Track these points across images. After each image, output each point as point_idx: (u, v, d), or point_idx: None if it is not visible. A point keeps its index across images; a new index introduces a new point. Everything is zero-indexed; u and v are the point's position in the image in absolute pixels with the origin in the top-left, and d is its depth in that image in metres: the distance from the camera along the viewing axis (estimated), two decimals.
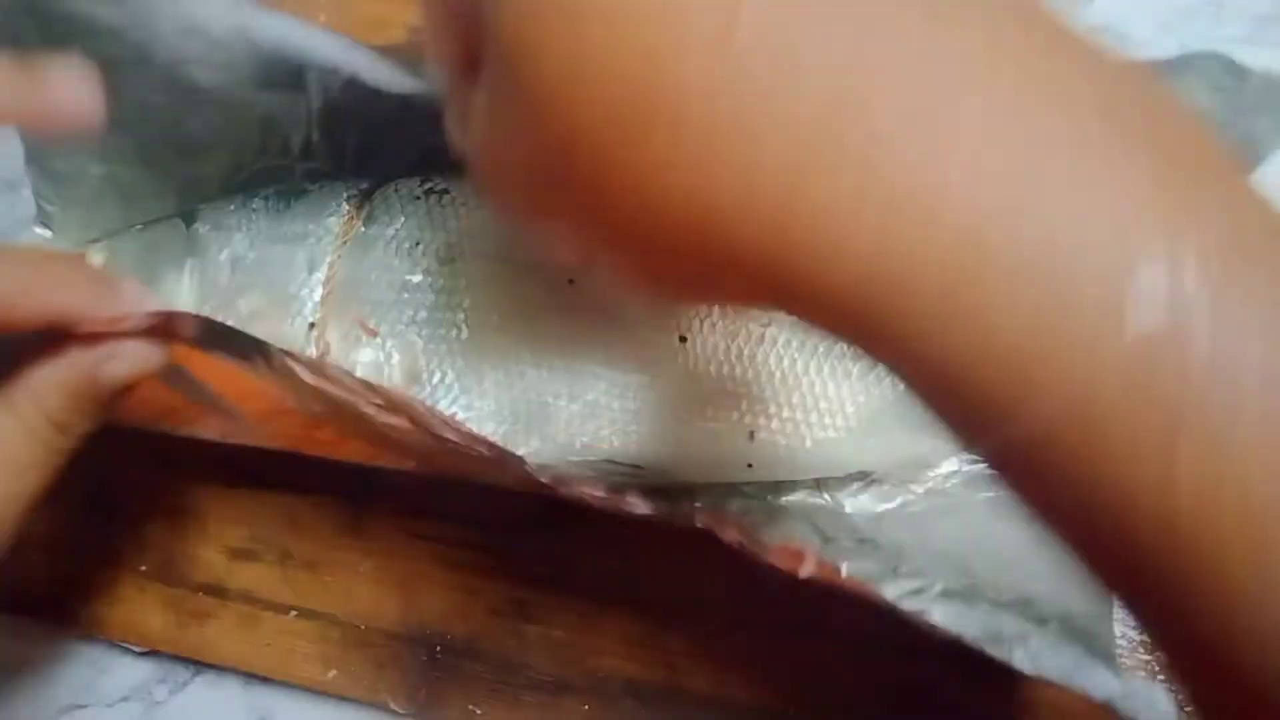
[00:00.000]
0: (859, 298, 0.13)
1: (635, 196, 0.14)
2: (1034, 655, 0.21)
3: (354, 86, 0.29)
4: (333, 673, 0.31)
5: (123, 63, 0.27)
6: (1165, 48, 0.37)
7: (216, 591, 0.33)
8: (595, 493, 0.24)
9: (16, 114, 0.22)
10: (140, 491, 0.34)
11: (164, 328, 0.24)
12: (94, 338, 0.23)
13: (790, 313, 0.15)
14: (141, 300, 0.23)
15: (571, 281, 0.27)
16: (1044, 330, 0.12)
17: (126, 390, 0.24)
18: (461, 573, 0.32)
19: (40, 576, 0.34)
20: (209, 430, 0.30)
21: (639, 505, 0.24)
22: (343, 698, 0.31)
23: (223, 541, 0.33)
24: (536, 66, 0.14)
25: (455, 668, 0.31)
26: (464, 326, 0.27)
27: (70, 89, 0.22)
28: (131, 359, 0.23)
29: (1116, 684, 0.21)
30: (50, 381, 0.23)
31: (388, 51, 0.39)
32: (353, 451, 0.29)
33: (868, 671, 0.29)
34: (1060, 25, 0.14)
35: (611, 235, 0.15)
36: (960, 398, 0.13)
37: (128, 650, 0.33)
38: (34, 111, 0.22)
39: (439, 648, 0.31)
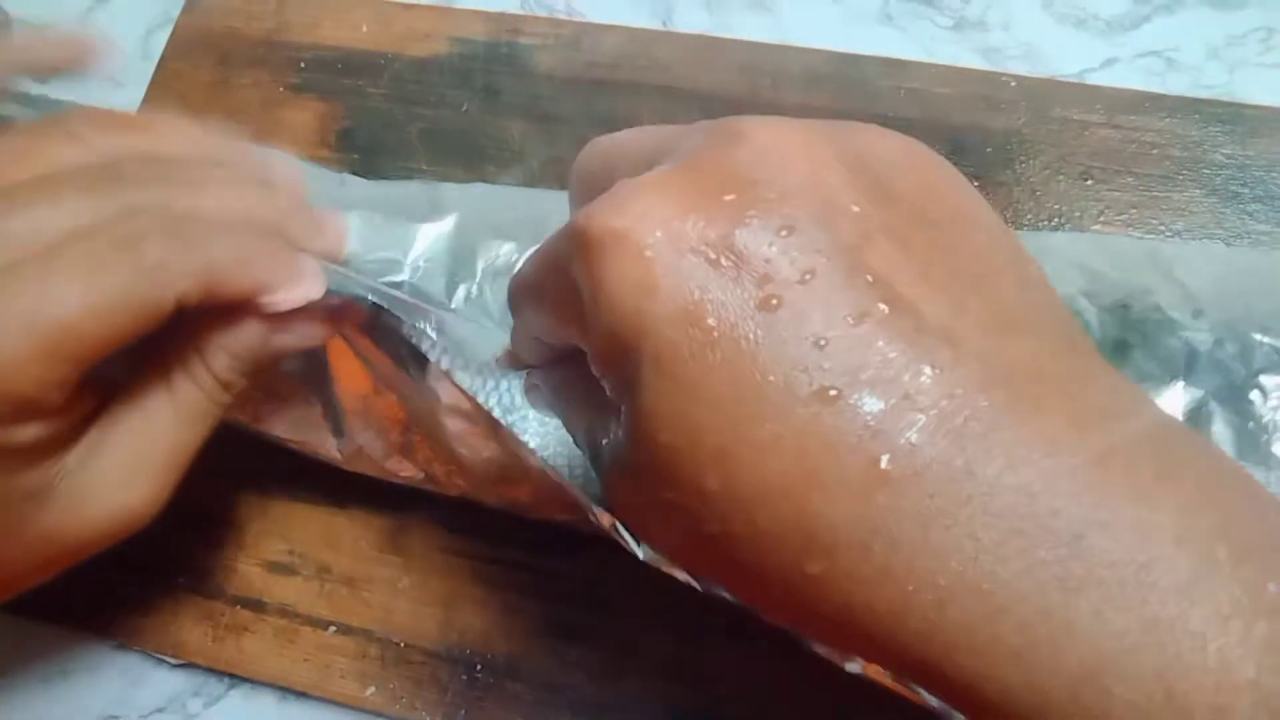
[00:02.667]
0: (997, 707, 0.14)
1: (788, 591, 0.16)
2: None
3: None
4: (371, 689, 0.31)
5: None
6: (1214, 73, 0.37)
7: (254, 605, 0.33)
8: None
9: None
10: (178, 503, 0.34)
11: (339, 311, 0.26)
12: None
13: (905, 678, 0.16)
14: (320, 279, 0.25)
15: None
16: None
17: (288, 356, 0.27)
18: (502, 591, 0.32)
19: (77, 586, 0.33)
20: (282, 427, 0.30)
21: None
22: (380, 715, 0.31)
23: (261, 555, 0.33)
24: (687, 476, 0.16)
25: (495, 687, 0.31)
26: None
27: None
28: (299, 335, 0.26)
29: None
30: (220, 344, 0.25)
31: (429, 64, 0.39)
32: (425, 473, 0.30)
33: (911, 704, 0.29)
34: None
35: (756, 601, 0.17)
36: None
37: (163, 662, 0.33)
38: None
39: (479, 666, 0.31)
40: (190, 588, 0.33)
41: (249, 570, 0.33)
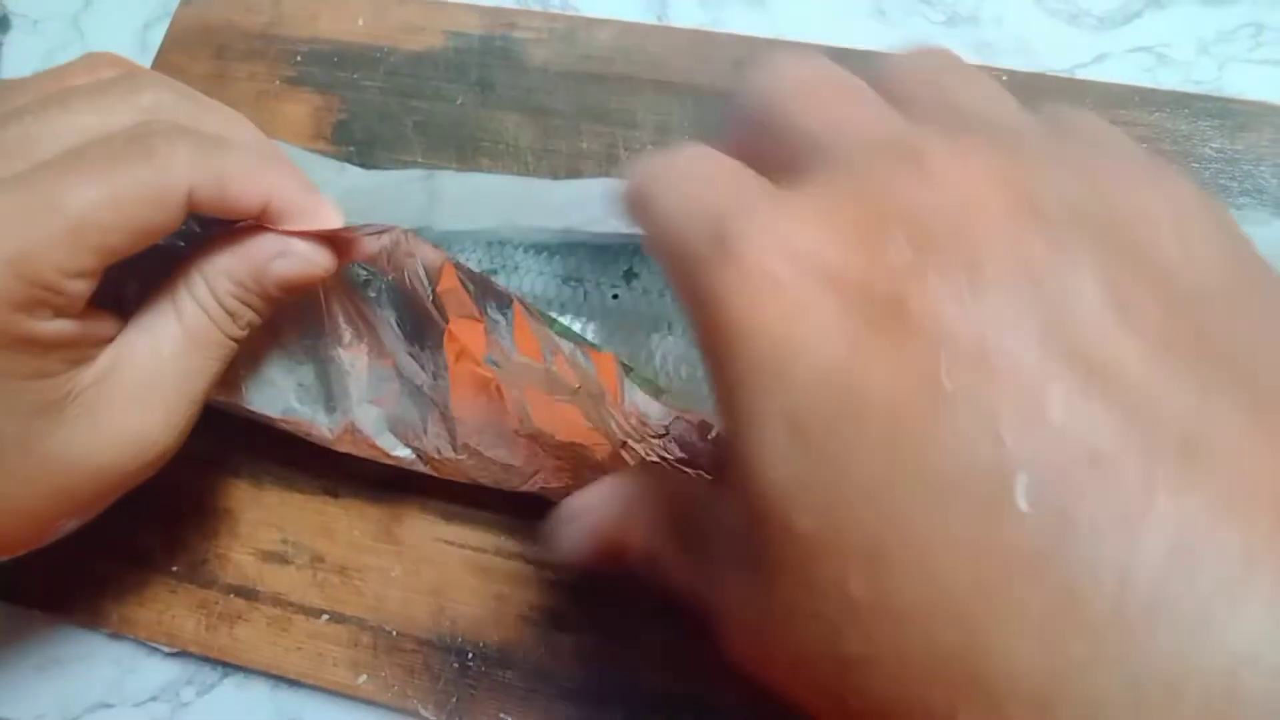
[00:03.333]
0: None
1: None
2: None
3: None
4: (363, 678, 0.31)
5: None
6: (1204, 69, 0.37)
7: (247, 594, 0.33)
8: None
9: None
10: (172, 492, 0.34)
11: (348, 245, 0.26)
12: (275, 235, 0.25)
13: None
14: (336, 215, 0.25)
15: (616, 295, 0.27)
16: None
17: (292, 289, 0.26)
18: (494, 580, 0.32)
19: (71, 574, 0.34)
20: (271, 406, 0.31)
21: None
22: (372, 703, 0.31)
23: (254, 544, 0.33)
24: (829, 575, 0.13)
25: (487, 675, 0.31)
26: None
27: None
28: (301, 260, 0.25)
29: None
30: (223, 268, 0.25)
31: (424, 58, 0.39)
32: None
33: None
34: None
35: None
36: None
37: (156, 650, 0.33)
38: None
39: (471, 655, 0.31)
40: (184, 576, 0.33)
41: (242, 559, 0.33)
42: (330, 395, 0.29)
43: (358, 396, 0.29)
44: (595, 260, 0.28)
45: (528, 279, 0.29)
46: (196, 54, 0.42)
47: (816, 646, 0.14)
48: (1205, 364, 0.12)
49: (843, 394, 0.13)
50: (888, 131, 0.15)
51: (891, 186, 0.14)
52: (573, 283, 0.28)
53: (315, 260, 0.26)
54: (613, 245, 0.29)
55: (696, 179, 0.17)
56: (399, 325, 0.28)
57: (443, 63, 0.40)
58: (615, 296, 0.28)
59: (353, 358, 0.29)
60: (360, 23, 0.41)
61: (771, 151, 0.17)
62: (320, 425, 0.30)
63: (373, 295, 0.28)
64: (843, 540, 0.13)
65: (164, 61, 0.42)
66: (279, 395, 0.30)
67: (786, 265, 0.14)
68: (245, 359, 0.29)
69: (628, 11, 0.41)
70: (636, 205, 0.18)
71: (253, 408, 0.30)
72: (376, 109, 0.39)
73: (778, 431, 0.13)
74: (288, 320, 0.29)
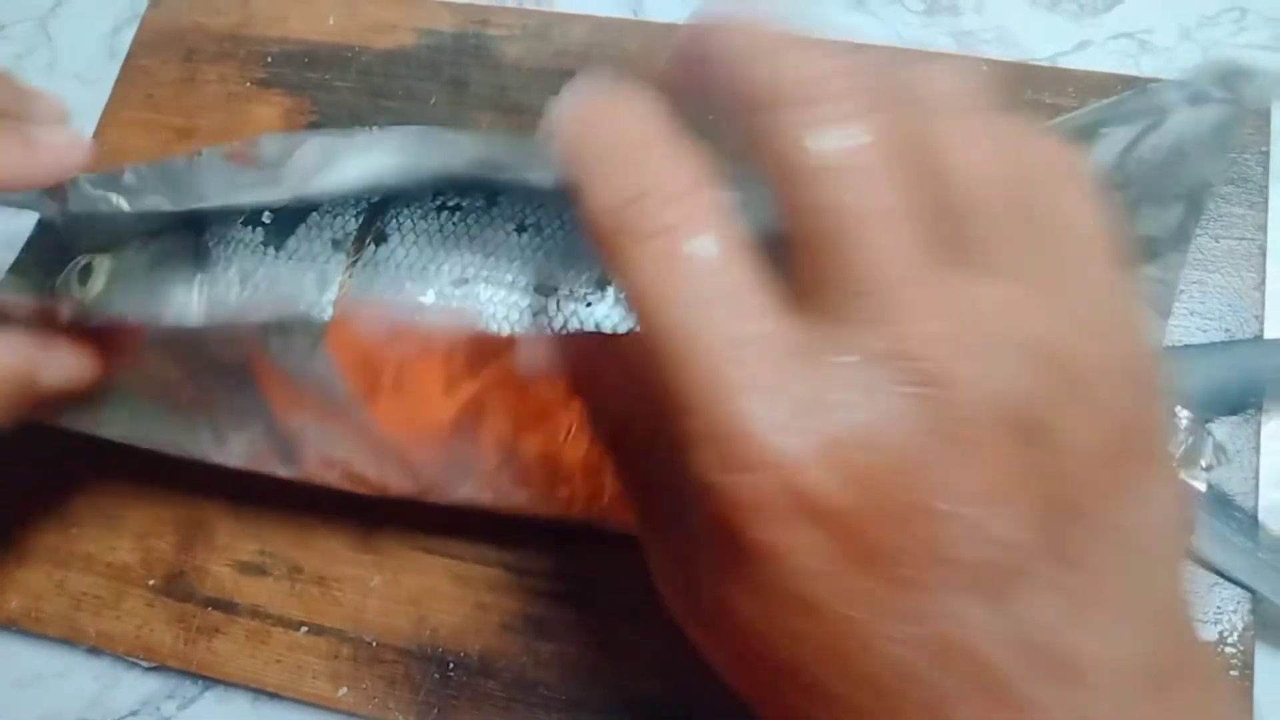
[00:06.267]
0: None
1: None
2: None
3: None
4: (343, 690, 0.31)
5: None
6: (1187, 54, 0.36)
7: (225, 606, 0.32)
8: None
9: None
10: (149, 505, 0.34)
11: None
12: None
13: None
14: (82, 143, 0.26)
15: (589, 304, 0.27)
16: None
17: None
18: (474, 588, 0.31)
19: (49, 589, 0.33)
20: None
21: None
22: (353, 715, 0.31)
23: (232, 556, 0.33)
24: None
25: (468, 685, 0.31)
26: None
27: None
28: (62, 366, 0.26)
29: None
30: None
31: (396, 56, 0.39)
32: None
33: None
34: None
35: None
36: None
37: (136, 664, 0.33)
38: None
39: (451, 664, 0.31)
40: (161, 590, 0.33)
41: (220, 571, 0.33)
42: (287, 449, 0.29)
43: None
44: (567, 266, 0.28)
45: (489, 288, 0.28)
46: (166, 57, 0.41)
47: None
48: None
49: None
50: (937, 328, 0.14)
51: (919, 449, 0.14)
52: (546, 291, 0.28)
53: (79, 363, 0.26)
54: (584, 252, 0.28)
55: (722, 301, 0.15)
56: None
57: (415, 61, 0.39)
58: (589, 304, 0.27)
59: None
60: (331, 21, 0.40)
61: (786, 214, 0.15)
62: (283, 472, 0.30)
63: None
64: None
65: (132, 66, 0.41)
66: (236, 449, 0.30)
67: (794, 525, 0.14)
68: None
69: (602, 7, 0.40)
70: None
71: (214, 461, 0.30)
72: (348, 109, 0.39)
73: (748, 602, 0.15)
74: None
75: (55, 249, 0.31)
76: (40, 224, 0.32)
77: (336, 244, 0.28)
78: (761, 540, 0.14)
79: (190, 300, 0.29)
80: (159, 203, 0.28)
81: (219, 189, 0.28)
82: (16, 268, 0.32)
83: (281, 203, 0.28)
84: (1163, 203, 0.30)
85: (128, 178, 0.28)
